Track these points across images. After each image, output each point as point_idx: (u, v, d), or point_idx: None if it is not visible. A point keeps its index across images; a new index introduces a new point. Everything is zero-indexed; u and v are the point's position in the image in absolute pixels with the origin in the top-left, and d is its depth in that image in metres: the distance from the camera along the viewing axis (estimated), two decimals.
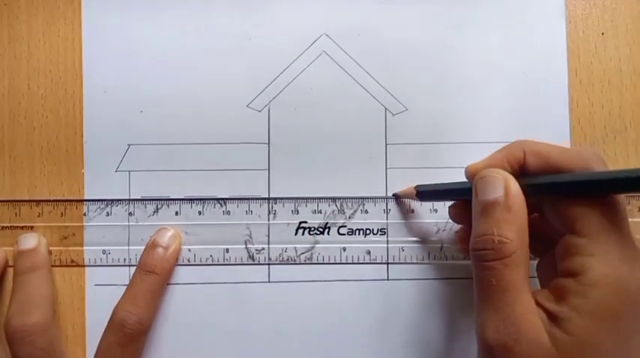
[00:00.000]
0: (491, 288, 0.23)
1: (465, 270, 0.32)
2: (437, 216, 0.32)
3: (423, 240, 0.32)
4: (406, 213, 0.32)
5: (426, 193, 0.30)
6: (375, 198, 0.33)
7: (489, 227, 0.24)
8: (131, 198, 0.33)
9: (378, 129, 0.33)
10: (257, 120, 0.33)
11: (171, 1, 0.33)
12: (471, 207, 0.25)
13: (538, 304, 0.23)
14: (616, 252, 0.22)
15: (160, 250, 0.31)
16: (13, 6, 0.33)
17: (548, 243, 0.26)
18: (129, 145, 0.33)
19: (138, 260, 0.32)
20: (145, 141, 0.33)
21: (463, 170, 0.32)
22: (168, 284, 0.32)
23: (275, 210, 0.32)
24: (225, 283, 0.32)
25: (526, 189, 0.24)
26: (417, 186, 0.31)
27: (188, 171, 0.33)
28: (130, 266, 0.32)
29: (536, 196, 0.25)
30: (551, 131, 0.33)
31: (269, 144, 0.33)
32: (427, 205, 0.32)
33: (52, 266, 0.32)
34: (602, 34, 0.33)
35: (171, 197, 0.33)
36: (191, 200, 0.33)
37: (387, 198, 0.33)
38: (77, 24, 0.33)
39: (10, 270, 0.32)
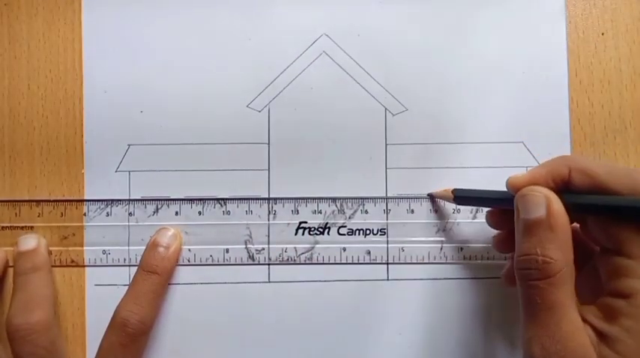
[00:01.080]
0: (536, 306, 0.23)
1: (464, 271, 0.32)
2: (436, 216, 0.32)
3: (423, 240, 0.32)
4: (406, 213, 0.32)
5: (464, 198, 0.30)
6: (374, 198, 0.33)
7: (532, 246, 0.24)
8: (131, 198, 0.33)
9: (378, 129, 0.33)
10: (257, 120, 0.33)
11: (172, 2, 0.33)
12: (507, 215, 0.26)
13: (586, 321, 0.23)
14: None
15: (161, 250, 0.31)
16: (13, 6, 0.33)
17: (587, 254, 0.26)
18: (129, 145, 0.33)
19: (138, 260, 0.32)
20: (145, 141, 0.33)
21: (463, 170, 0.33)
22: (169, 284, 0.32)
23: (275, 210, 0.32)
24: (226, 283, 0.32)
25: (571, 207, 0.24)
26: (455, 190, 0.31)
27: (188, 171, 0.33)
28: (129, 266, 0.32)
29: (581, 214, 0.24)
30: (551, 131, 0.33)
31: (269, 144, 0.33)
32: (427, 205, 0.32)
33: (52, 266, 0.32)
34: (602, 34, 0.33)
35: (172, 197, 0.33)
36: (191, 200, 0.33)
37: (386, 198, 0.33)
38: (77, 24, 0.33)
39: (11, 270, 0.32)
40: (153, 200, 0.33)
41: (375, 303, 0.32)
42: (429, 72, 0.33)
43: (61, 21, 0.33)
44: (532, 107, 0.33)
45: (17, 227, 0.32)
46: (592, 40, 0.33)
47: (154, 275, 0.30)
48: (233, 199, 0.33)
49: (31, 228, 0.32)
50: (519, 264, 0.24)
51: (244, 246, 0.32)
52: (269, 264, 0.32)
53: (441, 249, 0.32)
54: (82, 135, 0.33)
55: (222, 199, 0.33)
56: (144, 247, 0.32)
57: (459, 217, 0.32)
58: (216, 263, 0.32)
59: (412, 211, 0.33)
